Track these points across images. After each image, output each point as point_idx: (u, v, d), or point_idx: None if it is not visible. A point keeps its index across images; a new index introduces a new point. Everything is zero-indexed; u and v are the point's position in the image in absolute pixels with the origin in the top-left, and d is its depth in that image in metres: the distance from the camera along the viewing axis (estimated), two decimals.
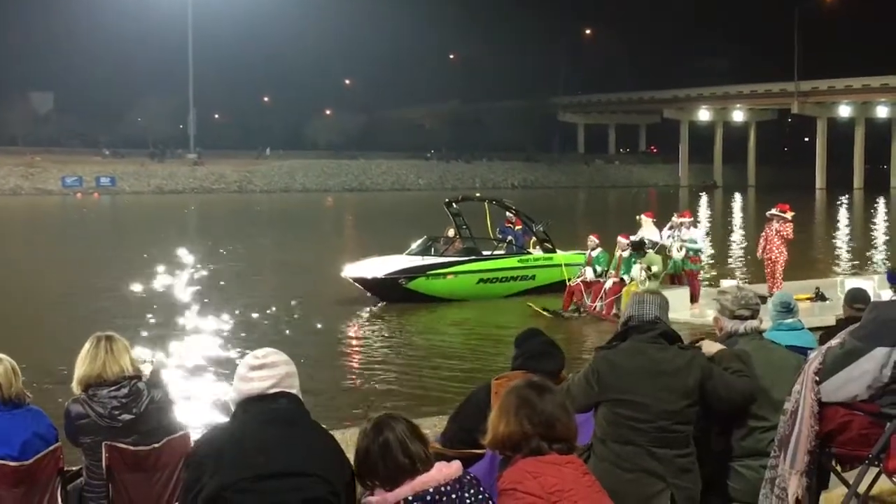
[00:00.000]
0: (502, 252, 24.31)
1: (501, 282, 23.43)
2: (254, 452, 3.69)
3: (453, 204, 25.04)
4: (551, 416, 3.93)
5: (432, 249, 23.86)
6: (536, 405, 3.94)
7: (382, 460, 3.77)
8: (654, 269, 20.25)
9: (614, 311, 20.10)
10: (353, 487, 3.91)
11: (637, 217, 23.27)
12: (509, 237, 25.26)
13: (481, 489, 3.88)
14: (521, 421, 3.90)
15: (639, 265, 20.48)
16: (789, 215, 20.70)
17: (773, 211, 20.77)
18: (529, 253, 24.43)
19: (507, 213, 26.10)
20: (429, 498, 3.75)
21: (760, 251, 20.76)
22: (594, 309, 20.68)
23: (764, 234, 20.84)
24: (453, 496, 3.79)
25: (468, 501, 3.81)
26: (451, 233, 24.75)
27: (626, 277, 20.72)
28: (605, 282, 21.00)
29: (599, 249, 21.89)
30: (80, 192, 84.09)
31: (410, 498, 3.73)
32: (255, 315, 21.22)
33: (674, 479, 5.35)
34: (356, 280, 22.97)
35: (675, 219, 22.31)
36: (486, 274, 23.30)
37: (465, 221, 24.72)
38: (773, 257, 20.36)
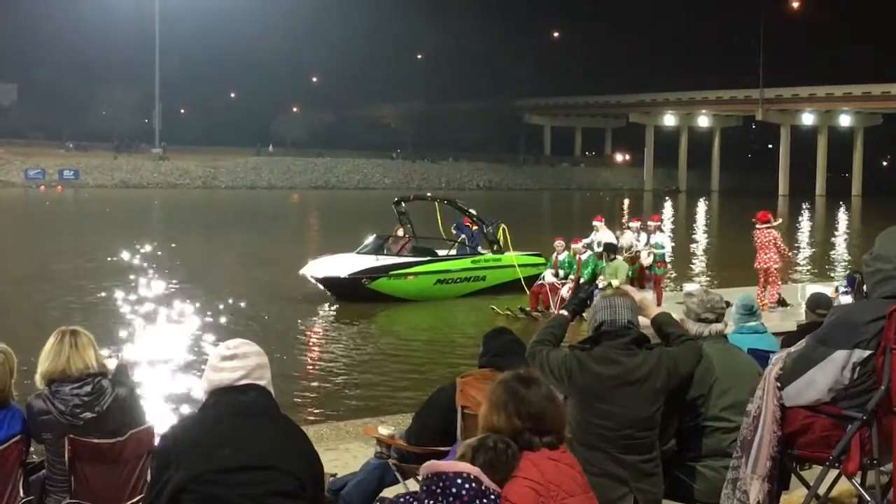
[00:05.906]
0: (455, 253, 24.34)
1: (457, 282, 23.51)
2: (220, 445, 3.68)
3: (402, 203, 24.94)
4: (540, 409, 3.95)
5: (384, 249, 23.71)
6: (524, 398, 3.96)
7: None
8: (615, 282, 20.23)
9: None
10: (322, 481, 3.91)
11: (596, 224, 23.33)
12: (462, 236, 25.23)
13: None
14: (510, 416, 3.92)
15: (603, 278, 20.49)
16: (762, 225, 19.50)
17: (755, 221, 19.70)
18: (481, 254, 24.48)
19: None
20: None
21: (757, 263, 19.78)
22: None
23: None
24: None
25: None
26: (400, 232, 24.66)
27: (582, 280, 20.79)
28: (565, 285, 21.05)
29: (566, 253, 21.95)
30: (44, 184, 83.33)
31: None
32: (208, 312, 20.93)
33: (637, 483, 5.38)
34: (317, 279, 22.86)
35: (636, 223, 22.30)
36: (444, 275, 23.35)
37: (409, 220, 24.61)
38: (762, 266, 19.55)
